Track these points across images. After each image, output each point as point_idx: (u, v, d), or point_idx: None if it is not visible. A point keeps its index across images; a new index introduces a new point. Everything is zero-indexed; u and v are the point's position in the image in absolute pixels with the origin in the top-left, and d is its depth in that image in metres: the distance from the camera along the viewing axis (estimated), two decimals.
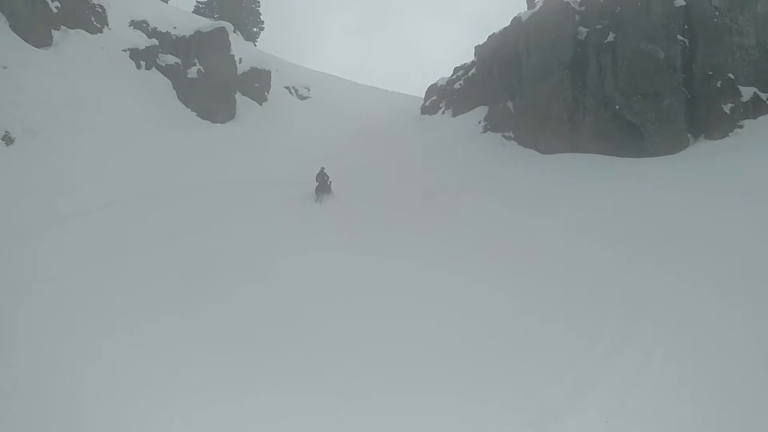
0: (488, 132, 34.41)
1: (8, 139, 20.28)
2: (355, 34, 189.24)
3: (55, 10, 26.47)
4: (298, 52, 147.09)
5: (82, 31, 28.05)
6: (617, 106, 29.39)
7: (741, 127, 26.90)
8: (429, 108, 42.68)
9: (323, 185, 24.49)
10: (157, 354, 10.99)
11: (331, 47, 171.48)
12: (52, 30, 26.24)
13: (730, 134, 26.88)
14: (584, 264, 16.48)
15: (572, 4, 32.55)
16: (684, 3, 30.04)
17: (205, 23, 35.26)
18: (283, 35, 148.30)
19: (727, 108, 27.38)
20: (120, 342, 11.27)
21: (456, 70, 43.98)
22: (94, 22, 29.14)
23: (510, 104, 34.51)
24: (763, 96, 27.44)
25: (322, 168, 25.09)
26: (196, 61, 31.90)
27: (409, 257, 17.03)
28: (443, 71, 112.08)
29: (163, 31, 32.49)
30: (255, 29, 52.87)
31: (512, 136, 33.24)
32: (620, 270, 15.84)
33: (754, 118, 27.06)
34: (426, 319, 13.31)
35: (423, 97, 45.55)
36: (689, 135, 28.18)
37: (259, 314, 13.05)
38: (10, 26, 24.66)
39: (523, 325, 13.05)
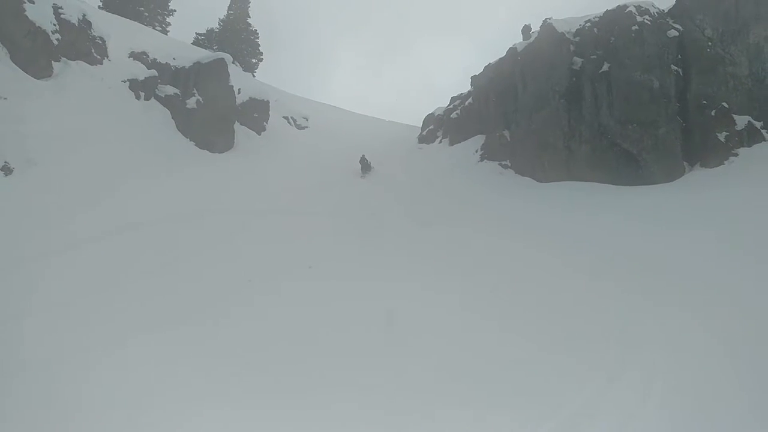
0: (485, 161, 34.60)
1: (7, 170, 20.34)
2: (367, 60, 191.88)
3: (56, 42, 26.75)
4: (310, 83, 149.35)
5: (82, 62, 28.32)
6: (612, 135, 29.67)
7: (736, 155, 27.09)
8: (426, 137, 42.96)
9: (365, 165, 34.68)
10: (156, 371, 11.10)
11: (342, 77, 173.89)
12: (53, 61, 26.47)
13: (725, 162, 27.06)
14: (580, 298, 16.40)
15: (567, 35, 33.02)
16: (677, 34, 30.53)
17: (204, 54, 35.63)
18: (296, 67, 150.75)
19: (721, 136, 27.63)
20: (123, 357, 11.46)
21: (453, 99, 44.40)
22: (95, 54, 29.45)
23: (506, 133, 34.78)
24: (758, 124, 27.70)
25: (363, 155, 35.18)
26: (195, 91, 32.16)
27: (408, 287, 17.00)
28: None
29: (163, 62, 32.81)
30: (254, 60, 53.51)
31: (509, 164, 33.43)
32: (616, 305, 15.74)
33: (749, 146, 27.27)
34: (427, 347, 13.30)
35: (420, 126, 45.90)
36: (685, 163, 28.39)
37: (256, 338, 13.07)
38: (11, 58, 24.89)
39: (522, 356, 12.99)
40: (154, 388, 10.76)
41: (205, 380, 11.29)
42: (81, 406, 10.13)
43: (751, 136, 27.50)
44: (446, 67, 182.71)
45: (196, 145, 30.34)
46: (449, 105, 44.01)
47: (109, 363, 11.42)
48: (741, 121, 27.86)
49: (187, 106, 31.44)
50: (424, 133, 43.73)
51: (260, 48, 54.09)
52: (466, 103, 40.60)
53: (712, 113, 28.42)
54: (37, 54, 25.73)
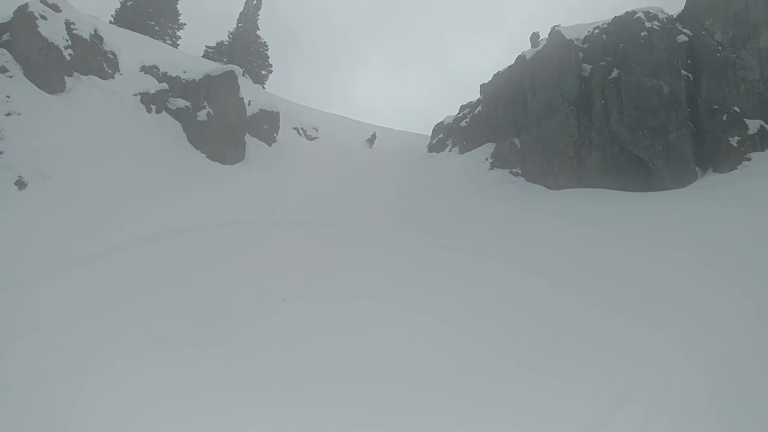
0: (496, 169, 34.53)
1: (21, 184, 20.55)
2: (395, 63, 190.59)
3: (68, 58, 27.05)
4: (330, 91, 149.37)
5: (94, 77, 28.63)
6: (623, 141, 29.58)
7: (749, 159, 26.88)
8: (436, 146, 42.97)
9: (372, 139, 45.14)
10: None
11: (368, 82, 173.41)
12: (65, 77, 26.78)
13: (738, 167, 26.86)
14: (587, 319, 16.34)
15: (575, 42, 33.00)
16: (686, 39, 30.45)
17: (214, 67, 35.87)
18: (317, 76, 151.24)
19: (734, 141, 27.45)
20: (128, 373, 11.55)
21: (462, 108, 44.40)
22: (106, 68, 29.75)
23: (517, 141, 34.71)
24: None
25: (374, 132, 46.19)
26: (205, 104, 32.36)
27: (418, 306, 16.92)
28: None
29: (173, 75, 33.08)
30: (263, 72, 53.78)
31: (520, 172, 33.35)
32: (621, 327, 15.65)
33: (762, 150, 27.07)
34: (433, 366, 13.32)
35: (430, 135, 45.93)
36: (697, 168, 28.22)
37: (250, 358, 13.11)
38: (24, 74, 25.24)
39: (529, 379, 13.01)
40: (147, 407, 10.84)
41: (199, 402, 11.30)
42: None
43: (764, 140, 27.31)
44: (479, 67, 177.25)
45: (207, 157, 30.51)
46: (458, 113, 44.01)
47: (100, 383, 11.46)
48: (753, 125, 27.68)
49: (198, 118, 31.64)
50: (434, 141, 43.74)
51: (270, 60, 54.41)
52: (476, 112, 40.57)
53: (724, 118, 28.26)
54: (49, 69, 26.05)
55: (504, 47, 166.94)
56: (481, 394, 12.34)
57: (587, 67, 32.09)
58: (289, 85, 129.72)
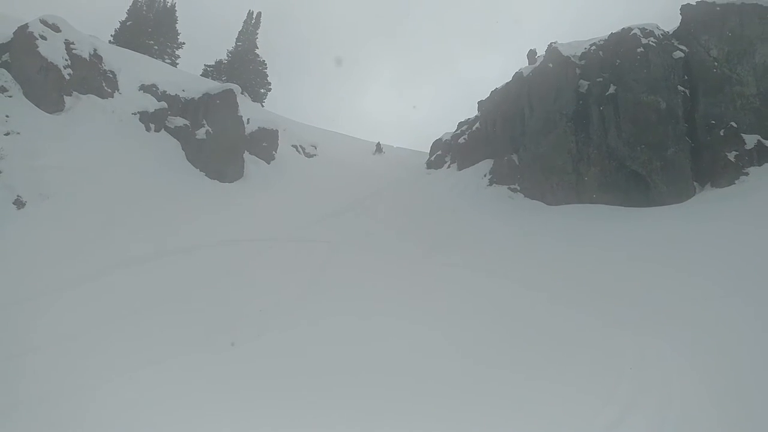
0: (494, 185, 34.58)
1: (20, 203, 20.52)
2: (404, 76, 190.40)
3: (68, 77, 27.17)
4: (337, 107, 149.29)
5: (93, 96, 28.72)
6: (621, 157, 29.64)
7: (747, 174, 26.98)
8: (434, 162, 43.08)
9: (378, 148, 48.79)
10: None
11: (377, 97, 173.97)
12: (65, 96, 26.88)
13: (736, 182, 26.94)
14: (587, 333, 16.23)
15: (572, 59, 33.20)
16: (682, 55, 30.67)
17: (213, 86, 36.02)
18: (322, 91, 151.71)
19: (731, 156, 27.56)
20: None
21: (460, 125, 44.58)
22: (105, 88, 29.86)
23: (515, 157, 34.79)
24: (767, 143, 27.60)
25: (378, 142, 50.34)
26: (204, 122, 32.45)
27: (418, 320, 16.83)
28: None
29: (172, 94, 33.20)
30: (262, 90, 54.11)
31: (518, 188, 33.40)
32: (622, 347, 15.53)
33: (759, 165, 27.16)
34: (438, 382, 13.21)
35: (428, 151, 46.06)
36: (695, 183, 28.28)
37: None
38: (24, 93, 25.33)
39: (531, 392, 12.91)
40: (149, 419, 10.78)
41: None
42: None
43: (761, 155, 27.41)
44: (488, 80, 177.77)
45: (206, 175, 30.52)
46: (456, 130, 44.16)
47: (103, 399, 11.44)
48: (750, 140, 27.80)
49: (197, 136, 31.71)
50: (432, 158, 43.86)
51: (268, 78, 54.76)
52: (474, 128, 40.71)
53: (721, 133, 28.39)
54: (49, 89, 26.15)
55: (519, 62, 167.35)
56: (484, 406, 12.24)
57: (584, 83, 32.27)
58: (295, 100, 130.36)
